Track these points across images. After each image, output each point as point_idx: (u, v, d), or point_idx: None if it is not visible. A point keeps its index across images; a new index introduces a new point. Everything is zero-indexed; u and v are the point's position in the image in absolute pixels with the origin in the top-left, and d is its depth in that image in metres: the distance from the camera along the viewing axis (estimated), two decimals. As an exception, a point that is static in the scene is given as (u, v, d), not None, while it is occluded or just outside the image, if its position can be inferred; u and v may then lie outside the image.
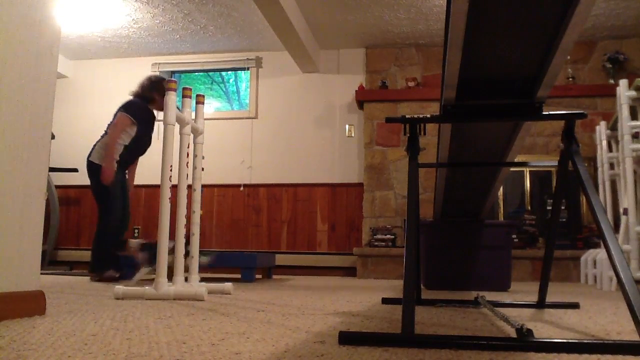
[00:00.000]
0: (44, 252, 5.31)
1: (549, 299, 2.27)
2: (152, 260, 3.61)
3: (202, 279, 2.87)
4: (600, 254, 3.64)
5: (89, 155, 3.81)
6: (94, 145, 3.84)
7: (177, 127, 2.60)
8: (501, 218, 5.06)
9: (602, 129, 4.26)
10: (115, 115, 3.85)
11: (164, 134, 2.48)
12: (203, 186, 3.27)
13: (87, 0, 4.74)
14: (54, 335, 1.28)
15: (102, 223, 3.78)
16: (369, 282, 4.24)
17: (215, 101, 6.16)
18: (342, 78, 5.67)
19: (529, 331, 1.26)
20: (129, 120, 3.81)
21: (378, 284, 3.85)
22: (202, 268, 3.43)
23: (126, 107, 3.85)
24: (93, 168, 3.77)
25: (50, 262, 5.61)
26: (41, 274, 1.76)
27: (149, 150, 4.05)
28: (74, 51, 5.88)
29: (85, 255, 5.71)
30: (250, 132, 5.75)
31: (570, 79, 5.17)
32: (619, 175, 4.03)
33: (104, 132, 3.89)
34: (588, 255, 4.09)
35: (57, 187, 5.72)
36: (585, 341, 1.18)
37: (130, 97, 3.94)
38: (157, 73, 5.96)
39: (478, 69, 1.65)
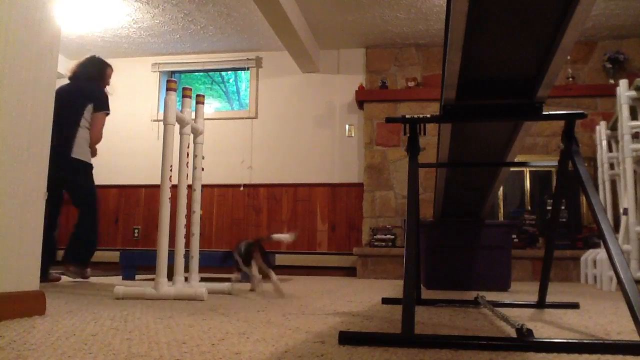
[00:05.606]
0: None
1: (549, 299, 2.27)
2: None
3: (202, 279, 2.87)
4: (600, 254, 3.64)
5: (71, 152, 3.53)
6: (70, 140, 3.54)
7: (177, 127, 2.60)
8: (501, 218, 5.06)
9: (602, 129, 4.25)
10: (83, 106, 3.62)
11: (164, 134, 2.48)
12: (203, 186, 3.26)
13: (87, 0, 4.74)
14: (54, 335, 1.28)
15: (93, 221, 3.64)
16: (369, 282, 4.24)
17: (215, 101, 6.16)
18: (342, 78, 5.67)
19: (529, 331, 1.26)
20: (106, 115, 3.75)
21: (378, 284, 3.85)
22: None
23: (102, 103, 3.72)
24: (82, 166, 3.59)
25: (50, 262, 5.60)
26: (41, 274, 1.76)
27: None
28: (74, 51, 5.88)
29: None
30: (250, 132, 5.75)
31: (570, 79, 5.17)
32: (619, 175, 4.03)
33: (70, 120, 3.58)
34: (588, 255, 4.09)
35: (57, 187, 5.71)
36: (585, 341, 1.18)
37: (85, 82, 3.75)
38: (157, 73, 5.98)
39: (478, 69, 1.65)
